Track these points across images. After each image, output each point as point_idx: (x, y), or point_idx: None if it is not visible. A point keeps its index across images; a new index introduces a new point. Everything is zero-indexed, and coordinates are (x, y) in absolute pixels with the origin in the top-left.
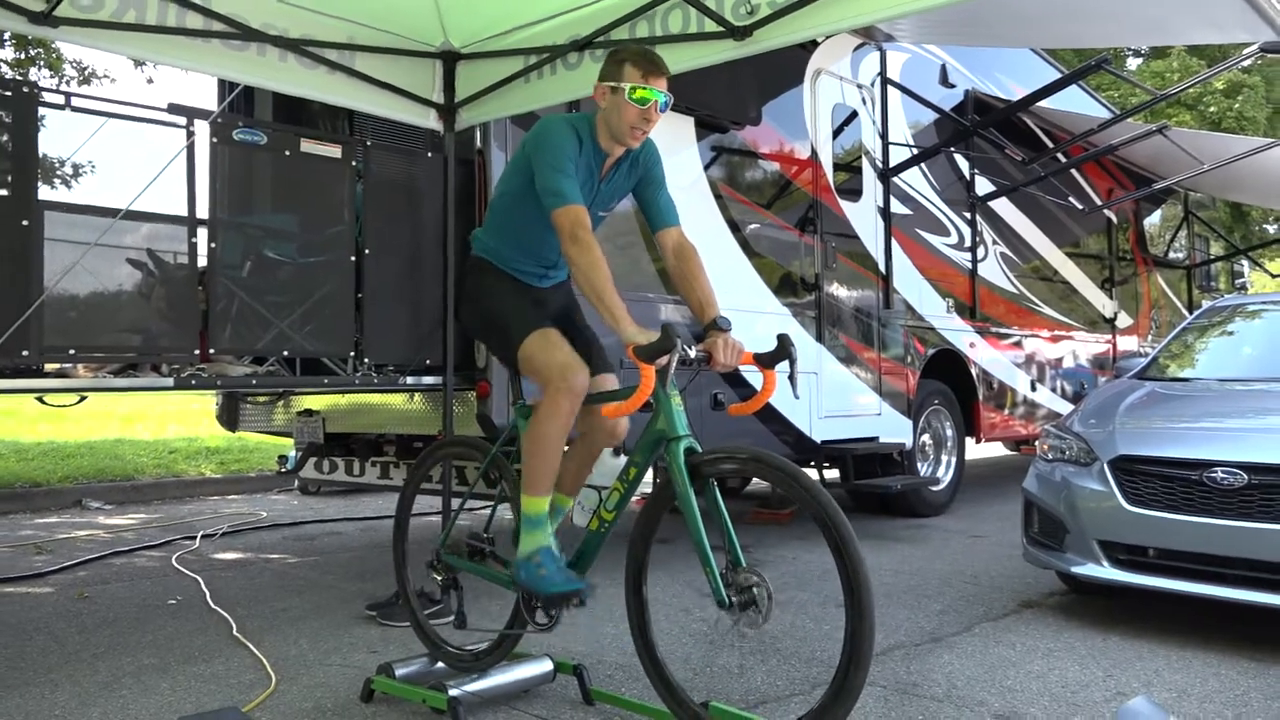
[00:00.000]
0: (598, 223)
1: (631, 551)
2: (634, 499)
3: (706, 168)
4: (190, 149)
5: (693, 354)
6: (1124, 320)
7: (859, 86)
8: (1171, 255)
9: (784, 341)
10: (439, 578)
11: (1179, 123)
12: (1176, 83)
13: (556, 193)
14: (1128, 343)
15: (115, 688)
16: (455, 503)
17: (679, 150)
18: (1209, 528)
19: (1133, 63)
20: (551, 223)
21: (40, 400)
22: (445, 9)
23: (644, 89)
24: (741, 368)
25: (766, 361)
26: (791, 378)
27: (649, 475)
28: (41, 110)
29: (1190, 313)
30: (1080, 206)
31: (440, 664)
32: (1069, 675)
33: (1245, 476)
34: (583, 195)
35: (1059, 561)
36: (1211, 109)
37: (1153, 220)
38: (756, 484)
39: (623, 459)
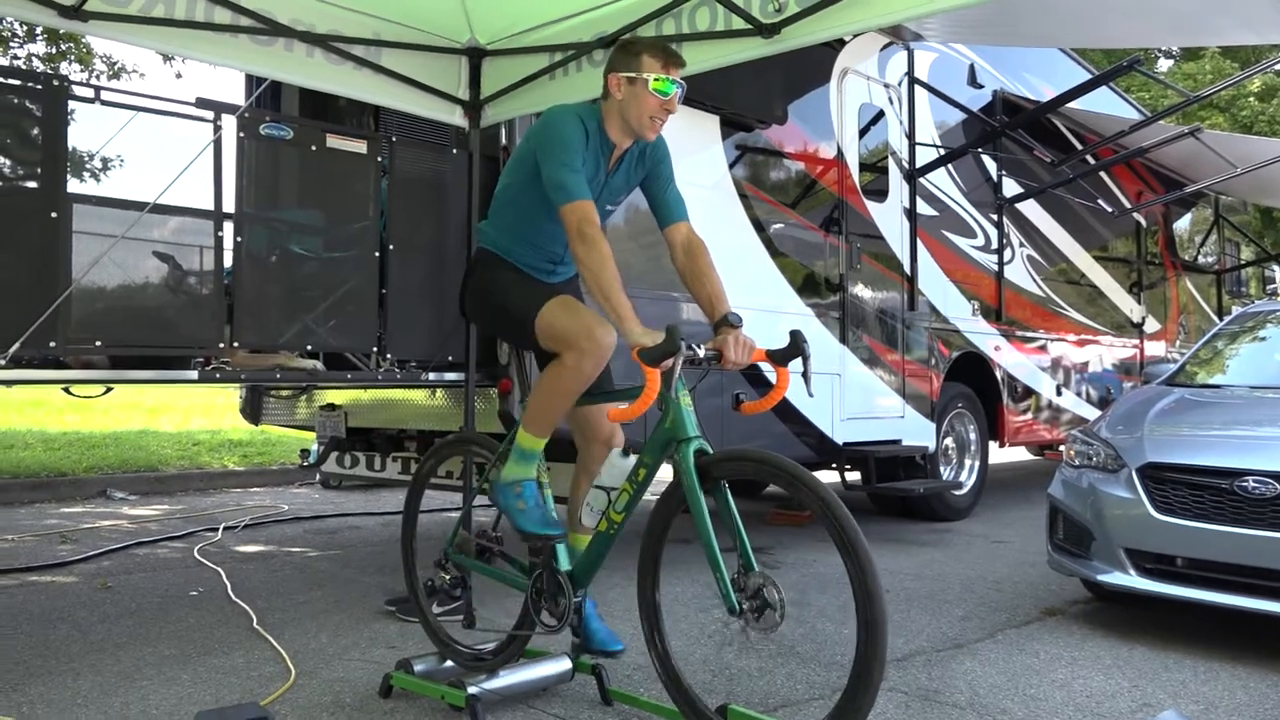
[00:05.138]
0: (605, 217)
1: (643, 553)
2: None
3: (731, 167)
4: (217, 143)
5: (702, 353)
6: (1152, 325)
7: (886, 86)
8: (1201, 260)
9: (796, 338)
10: (447, 576)
11: (1212, 126)
12: (1209, 85)
13: (563, 187)
14: (1155, 348)
15: (136, 678)
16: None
17: (703, 149)
18: (1239, 538)
19: (1164, 64)
20: (558, 218)
21: (67, 391)
22: (471, 5)
23: (664, 80)
24: (763, 366)
25: (779, 358)
26: (805, 375)
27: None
28: (71, 104)
29: (1220, 318)
30: (1109, 209)
31: None
32: (1094, 685)
33: (1277, 486)
34: (590, 189)
35: (1084, 569)
36: (1244, 113)
37: (1182, 224)
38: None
39: (632, 459)
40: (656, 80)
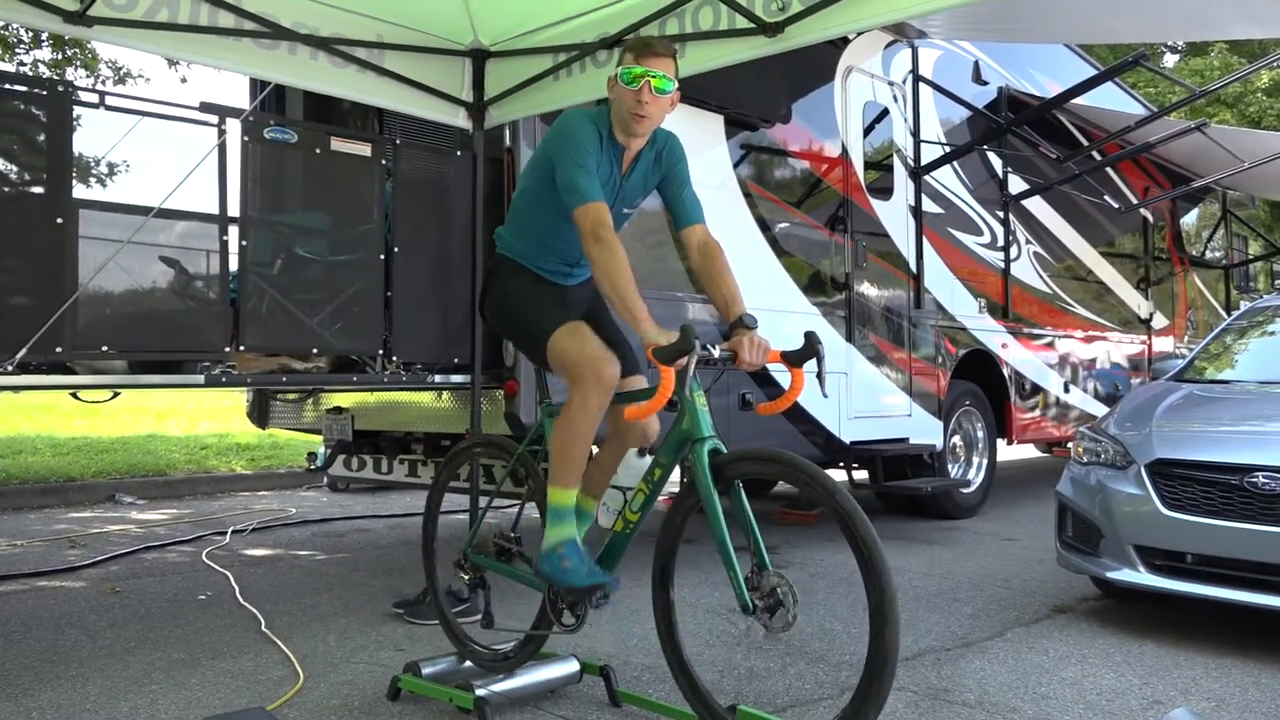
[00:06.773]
0: (623, 220)
1: (658, 553)
2: (660, 499)
3: (735, 166)
4: (222, 147)
5: (717, 353)
6: (1160, 321)
7: (890, 84)
8: (1209, 255)
9: (811, 339)
10: (466, 577)
11: (1219, 121)
12: (1216, 80)
13: (576, 190)
14: (1163, 344)
15: (145, 683)
16: (483, 502)
17: (708, 148)
18: (1249, 533)
19: (1170, 59)
20: (573, 221)
21: (74, 396)
22: (475, 7)
23: (632, 68)
24: (770, 367)
25: (794, 360)
26: (819, 376)
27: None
28: (76, 109)
29: (1228, 314)
30: (1116, 205)
31: (467, 663)
32: (1104, 682)
33: None
34: (604, 192)
35: (1093, 566)
36: (1252, 109)
37: (1190, 219)
38: (785, 484)
39: (648, 459)
40: (625, 71)
